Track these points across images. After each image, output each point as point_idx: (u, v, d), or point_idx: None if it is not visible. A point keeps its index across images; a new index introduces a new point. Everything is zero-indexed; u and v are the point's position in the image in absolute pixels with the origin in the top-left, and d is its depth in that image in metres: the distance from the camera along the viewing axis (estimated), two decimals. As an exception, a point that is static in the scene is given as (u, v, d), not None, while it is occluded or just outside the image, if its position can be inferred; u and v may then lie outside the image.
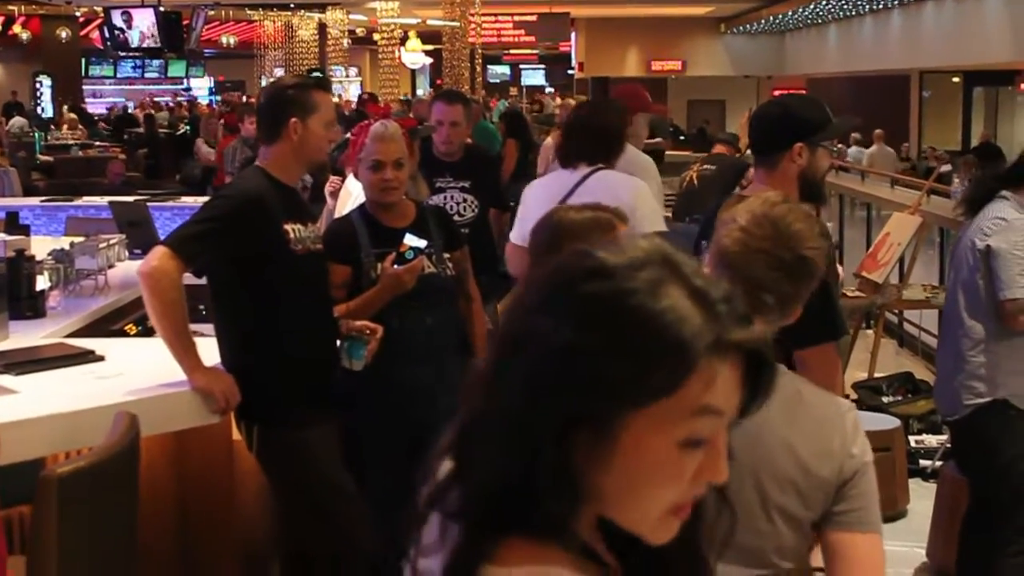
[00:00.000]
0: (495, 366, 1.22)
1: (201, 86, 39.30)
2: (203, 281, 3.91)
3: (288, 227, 3.81)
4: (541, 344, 1.17)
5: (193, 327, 3.73)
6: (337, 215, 5.59)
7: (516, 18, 29.59)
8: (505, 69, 42.38)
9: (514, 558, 1.19)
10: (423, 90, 36.07)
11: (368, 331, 4.03)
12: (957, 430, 4.48)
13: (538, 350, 1.18)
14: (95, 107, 32.20)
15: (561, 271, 1.22)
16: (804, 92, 25.52)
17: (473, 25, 25.18)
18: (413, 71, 35.21)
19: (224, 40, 35.70)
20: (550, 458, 1.16)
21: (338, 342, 4.02)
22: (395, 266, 4.15)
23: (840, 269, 4.88)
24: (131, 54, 24.72)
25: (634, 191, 4.53)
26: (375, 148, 4.21)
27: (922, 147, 25.80)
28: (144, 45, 20.95)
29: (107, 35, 21.80)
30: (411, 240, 4.13)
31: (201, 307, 4.44)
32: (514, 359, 1.19)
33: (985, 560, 4.31)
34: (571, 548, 1.21)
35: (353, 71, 34.22)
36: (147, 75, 37.44)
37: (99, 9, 24.37)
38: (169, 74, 37.79)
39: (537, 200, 4.57)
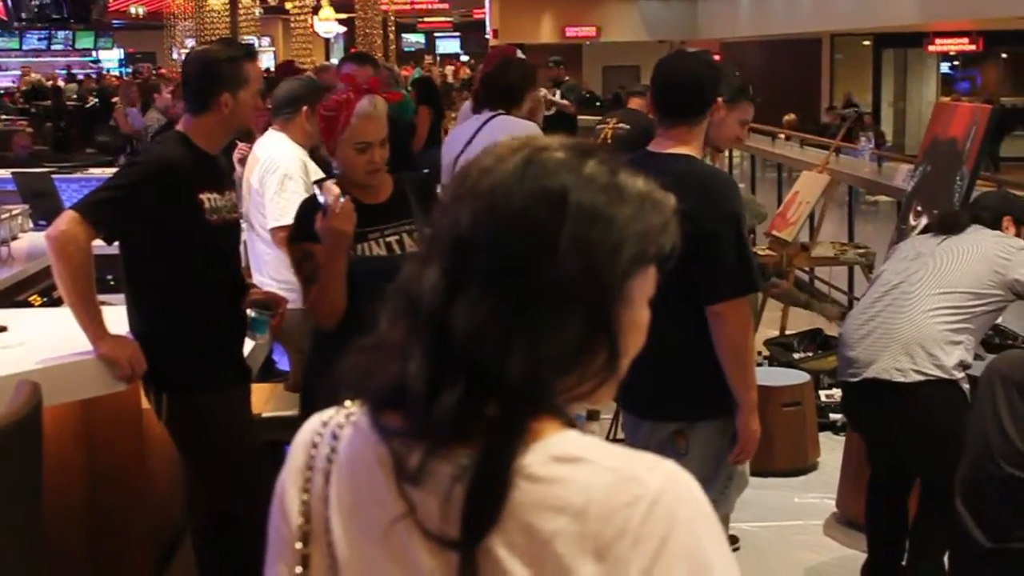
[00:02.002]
0: (523, 250, 1.26)
1: (111, 58, 38.65)
2: (114, 251, 3.86)
3: (204, 196, 3.77)
4: (586, 219, 1.27)
5: (101, 297, 3.69)
6: (244, 182, 5.54)
7: (430, -15, 29.40)
8: (420, 37, 42.20)
9: (540, 433, 1.26)
10: (337, 59, 35.75)
11: (274, 303, 3.99)
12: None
13: (580, 226, 1.26)
14: (1, 80, 31.57)
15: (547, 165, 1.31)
16: (718, 57, 25.69)
17: (386, -8, 25.00)
18: (327, 40, 34.89)
19: (133, 10, 35.12)
20: (610, 321, 1.27)
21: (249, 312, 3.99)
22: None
23: None
24: (37, 26, 24.26)
25: (529, 131, 4.74)
26: (363, 128, 3.71)
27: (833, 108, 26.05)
28: (50, 14, 20.58)
29: (9, 3, 21.36)
30: (329, 185, 3.72)
31: (110, 278, 4.40)
32: (552, 242, 1.26)
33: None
34: (571, 423, 1.29)
35: (266, 41, 33.84)
36: (54, 47, 36.75)
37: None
38: (77, 46, 37.12)
39: (448, 145, 5.40)
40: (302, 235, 3.65)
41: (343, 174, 3.77)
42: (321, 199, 3.56)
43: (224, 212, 3.85)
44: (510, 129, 4.96)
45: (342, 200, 3.55)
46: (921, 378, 4.11)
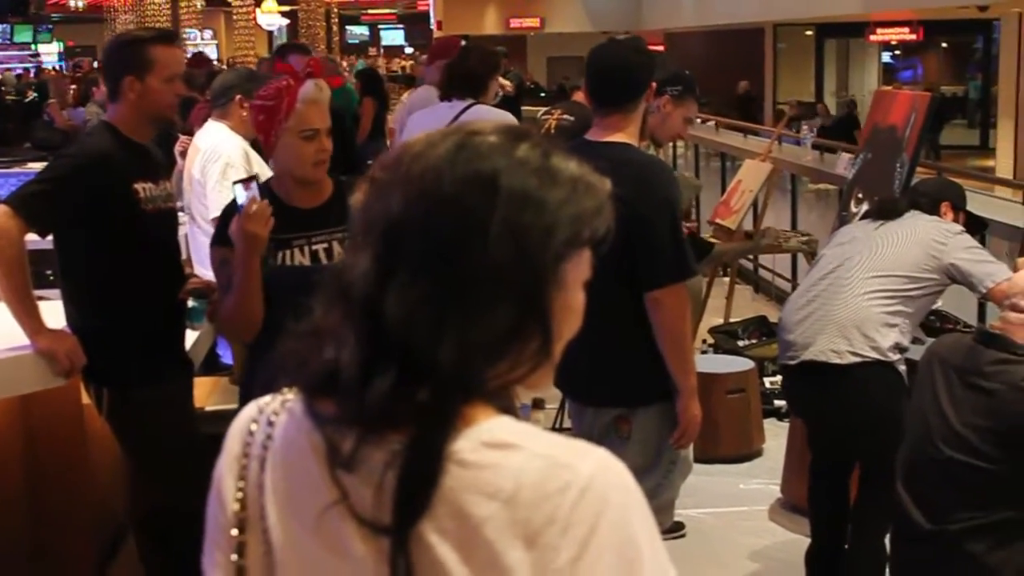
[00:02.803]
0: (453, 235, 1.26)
1: (50, 51, 38.19)
2: (50, 246, 3.80)
3: (138, 186, 3.72)
4: (517, 203, 1.26)
5: (38, 292, 3.64)
6: (185, 173, 5.50)
7: (373, -23, 29.29)
8: (364, 29, 42.01)
9: (472, 419, 1.25)
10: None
11: (210, 291, 3.93)
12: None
13: (512, 209, 1.26)
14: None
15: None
16: (662, 48, 25.80)
17: (329, -16, 24.87)
18: (270, 33, 34.68)
19: (73, 3, 34.72)
20: (542, 305, 1.27)
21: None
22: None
23: None
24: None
25: (506, 120, 4.71)
26: (310, 114, 3.42)
27: (777, 98, 26.22)
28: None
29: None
30: (238, 191, 3.45)
31: (48, 272, 4.34)
32: (479, 224, 1.25)
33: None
34: (506, 409, 1.30)
35: (208, 34, 33.59)
36: (-9, 41, 36.33)
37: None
38: (15, 40, 36.65)
39: (423, 129, 5.00)
40: (222, 239, 3.43)
41: (284, 170, 3.49)
42: (241, 199, 3.37)
43: (159, 202, 3.80)
44: (486, 118, 4.94)
45: (257, 200, 3.34)
46: (857, 360, 4.15)
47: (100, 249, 3.73)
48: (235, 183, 3.48)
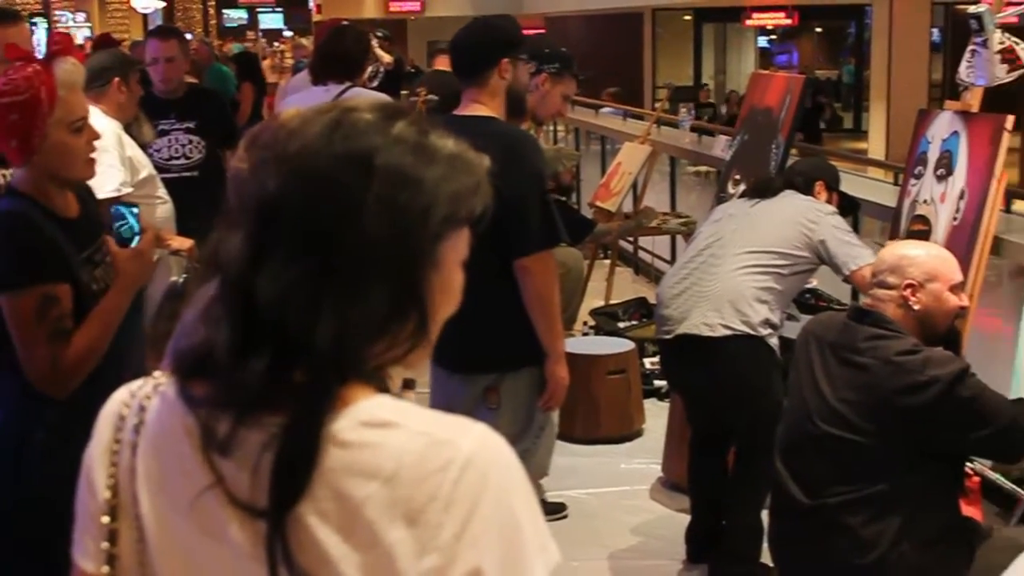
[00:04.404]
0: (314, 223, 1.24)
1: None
2: None
3: None
4: (393, 181, 1.24)
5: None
6: None
7: (250, -41, 28.91)
8: (242, 13, 41.41)
9: (350, 399, 1.23)
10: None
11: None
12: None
13: (387, 188, 1.24)
14: None
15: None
16: (542, 31, 25.84)
17: (205, -34, 24.48)
18: (145, 15, 34.02)
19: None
20: (419, 285, 1.26)
21: None
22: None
23: None
24: None
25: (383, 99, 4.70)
26: (76, 101, 2.88)
27: (656, 82, 26.46)
28: None
29: None
30: (123, 210, 3.07)
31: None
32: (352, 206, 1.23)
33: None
34: (383, 389, 1.28)
35: (80, 16, 32.83)
36: None
37: None
38: None
39: None
40: (46, 273, 2.76)
41: (50, 173, 2.84)
42: (131, 218, 2.96)
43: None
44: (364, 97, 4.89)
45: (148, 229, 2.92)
46: (728, 333, 4.23)
47: None
48: (114, 204, 3.14)
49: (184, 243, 4.01)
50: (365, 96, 5.03)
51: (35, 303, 2.73)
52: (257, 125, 1.34)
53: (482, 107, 3.78)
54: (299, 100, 5.50)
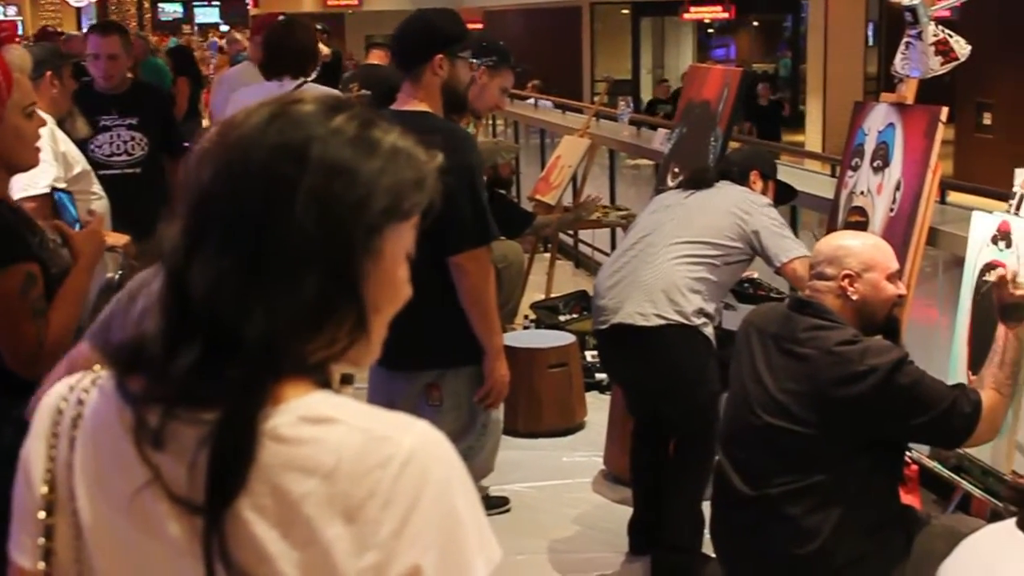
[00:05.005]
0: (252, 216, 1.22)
1: None
2: None
3: None
4: (327, 172, 1.23)
5: None
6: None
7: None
8: (178, 7, 41.07)
9: (289, 394, 1.23)
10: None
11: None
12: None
13: (320, 179, 1.23)
14: None
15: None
16: (481, 26, 25.84)
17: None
18: (78, 9, 33.65)
19: None
20: (355, 278, 1.25)
21: None
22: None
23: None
24: None
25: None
26: (27, 85, 2.91)
27: (595, 76, 26.49)
28: None
29: None
30: (64, 198, 3.17)
31: None
32: (289, 202, 1.22)
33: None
34: (324, 384, 1.27)
35: (12, 9, 32.43)
36: None
37: None
38: None
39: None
40: (25, 251, 2.79)
41: (2, 157, 2.81)
42: (71, 206, 3.02)
43: None
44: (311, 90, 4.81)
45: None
46: (662, 322, 4.25)
47: None
48: (56, 191, 3.16)
49: (120, 239, 3.95)
50: (316, 89, 4.98)
51: (20, 280, 2.74)
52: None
53: (417, 102, 3.76)
54: (252, 95, 5.42)
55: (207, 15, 41.58)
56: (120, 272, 3.64)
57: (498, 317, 3.83)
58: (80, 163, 4.76)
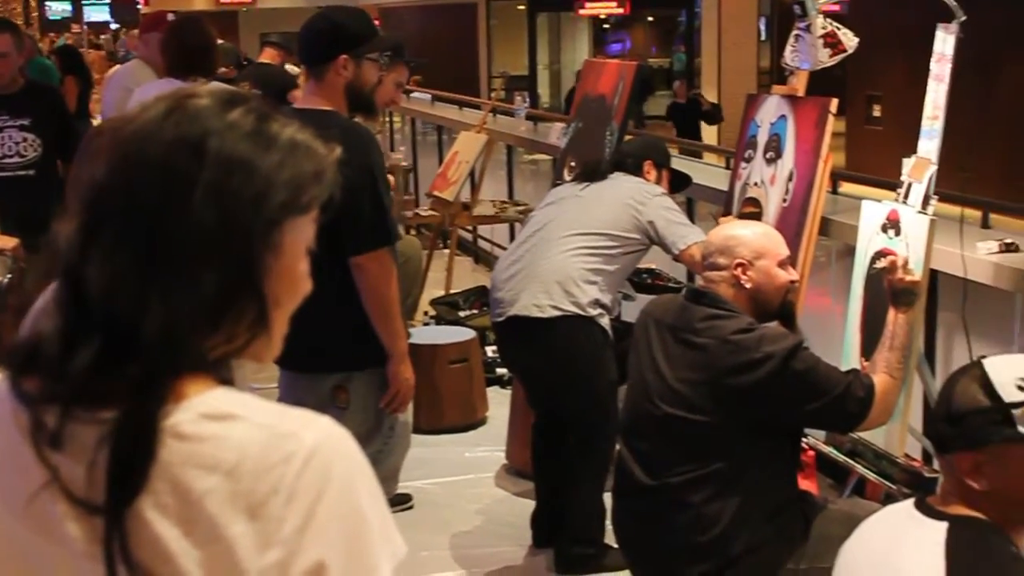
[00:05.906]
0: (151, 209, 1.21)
1: None
2: None
3: None
4: (224, 166, 1.22)
5: None
6: None
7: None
8: (66, 5, 40.31)
9: (190, 391, 1.21)
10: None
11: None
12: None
13: (218, 173, 1.22)
14: None
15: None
16: (378, 22, 25.73)
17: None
18: (-37, 8, 32.86)
19: None
20: (255, 272, 1.24)
21: None
22: None
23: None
24: None
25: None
26: None
27: (491, 72, 26.52)
28: None
29: None
30: None
31: None
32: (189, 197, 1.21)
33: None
34: (226, 381, 1.26)
35: None
36: None
37: None
38: None
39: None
40: None
41: None
42: None
43: None
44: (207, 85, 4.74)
45: None
46: (557, 313, 4.29)
47: None
48: None
49: (9, 242, 3.88)
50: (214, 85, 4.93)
51: None
52: None
53: (320, 100, 3.69)
54: (158, 90, 5.35)
55: (97, 14, 40.87)
56: (9, 276, 3.56)
57: (402, 319, 3.78)
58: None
